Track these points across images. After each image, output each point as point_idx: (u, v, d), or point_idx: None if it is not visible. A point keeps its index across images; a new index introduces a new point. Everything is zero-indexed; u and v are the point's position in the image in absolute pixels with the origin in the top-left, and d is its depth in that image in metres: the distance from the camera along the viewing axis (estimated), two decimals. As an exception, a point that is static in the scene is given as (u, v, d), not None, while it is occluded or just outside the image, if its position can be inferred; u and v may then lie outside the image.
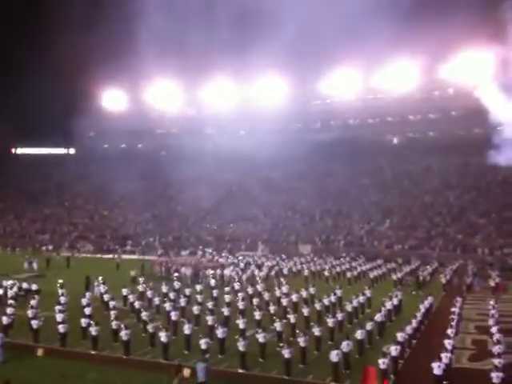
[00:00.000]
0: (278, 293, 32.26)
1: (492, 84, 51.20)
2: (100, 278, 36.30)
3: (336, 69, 76.55)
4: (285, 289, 33.40)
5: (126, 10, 64.81)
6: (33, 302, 28.01)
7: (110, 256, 59.03)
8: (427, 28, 60.73)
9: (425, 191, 68.80)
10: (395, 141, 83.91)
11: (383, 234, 61.85)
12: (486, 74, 55.54)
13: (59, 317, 24.75)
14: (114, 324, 24.08)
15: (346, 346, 20.24)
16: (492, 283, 38.05)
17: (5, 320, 24.97)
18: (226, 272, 42.37)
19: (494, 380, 17.27)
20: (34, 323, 24.22)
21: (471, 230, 58.61)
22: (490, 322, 24.53)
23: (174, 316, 25.76)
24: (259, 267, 46.19)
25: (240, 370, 20.31)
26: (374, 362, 18.50)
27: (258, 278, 39.49)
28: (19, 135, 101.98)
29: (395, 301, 29.14)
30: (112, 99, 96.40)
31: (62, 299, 29.31)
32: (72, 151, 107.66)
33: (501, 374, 17.35)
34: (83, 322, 24.70)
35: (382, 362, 18.68)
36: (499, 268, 45.64)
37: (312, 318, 26.38)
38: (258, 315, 25.97)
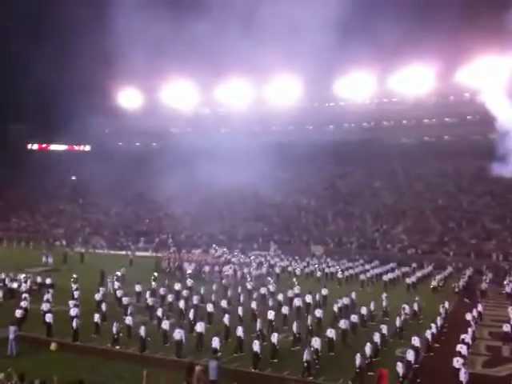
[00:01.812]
0: (290, 293, 32.17)
1: (500, 90, 50.34)
2: (117, 272, 36.60)
3: (351, 71, 76.30)
4: (297, 290, 33.32)
5: (144, 9, 65.04)
6: (47, 296, 28.20)
7: (123, 252, 59.19)
8: (444, 32, 60.36)
9: (439, 195, 68.23)
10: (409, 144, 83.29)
11: (396, 238, 61.45)
12: (499, 81, 54.61)
13: (73, 311, 24.88)
14: (127, 320, 24.16)
15: (368, 348, 20.23)
16: (508, 289, 37.67)
17: (19, 313, 25.12)
18: (225, 269, 42.70)
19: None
20: (48, 317, 24.33)
21: (485, 235, 58.05)
22: (506, 328, 24.25)
23: (189, 314, 25.82)
24: (272, 267, 46.21)
25: (252, 370, 20.26)
26: (388, 365, 18.35)
27: (269, 278, 39.53)
28: (35, 132, 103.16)
29: (415, 306, 29.04)
30: (128, 98, 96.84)
31: (76, 294, 29.45)
32: (87, 148, 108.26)
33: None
34: (96, 317, 24.79)
35: (397, 366, 18.59)
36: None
37: (325, 320, 26.27)
38: (271, 315, 25.90)
